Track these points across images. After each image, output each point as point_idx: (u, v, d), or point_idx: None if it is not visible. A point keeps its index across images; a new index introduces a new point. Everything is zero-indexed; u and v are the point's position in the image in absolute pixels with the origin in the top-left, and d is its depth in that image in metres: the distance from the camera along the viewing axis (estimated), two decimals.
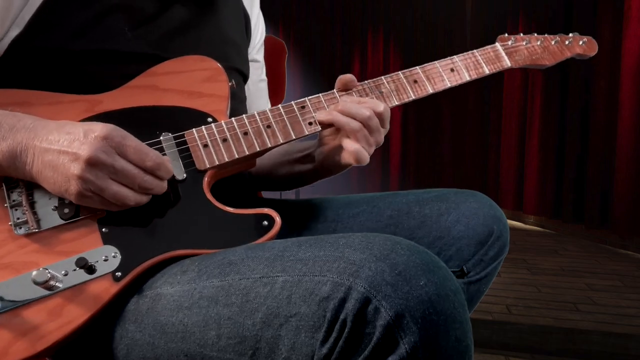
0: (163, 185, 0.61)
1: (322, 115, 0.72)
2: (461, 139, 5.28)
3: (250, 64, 0.95)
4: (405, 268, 0.46)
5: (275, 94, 1.10)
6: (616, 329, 1.96)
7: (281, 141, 0.70)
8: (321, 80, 6.09)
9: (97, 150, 0.55)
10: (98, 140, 0.55)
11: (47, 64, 0.66)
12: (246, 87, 0.93)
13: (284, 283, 0.50)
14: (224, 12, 0.85)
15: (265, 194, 1.06)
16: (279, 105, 0.72)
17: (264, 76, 1.04)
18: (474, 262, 0.80)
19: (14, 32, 0.64)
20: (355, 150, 0.70)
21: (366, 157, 0.71)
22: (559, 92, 3.94)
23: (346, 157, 0.73)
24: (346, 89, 0.76)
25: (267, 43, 1.04)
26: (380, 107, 0.72)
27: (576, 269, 2.85)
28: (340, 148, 0.74)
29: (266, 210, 0.65)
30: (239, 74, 0.87)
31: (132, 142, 0.58)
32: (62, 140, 0.56)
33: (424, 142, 5.51)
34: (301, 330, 0.47)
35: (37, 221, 0.59)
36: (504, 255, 0.83)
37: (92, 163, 0.55)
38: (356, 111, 0.70)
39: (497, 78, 4.45)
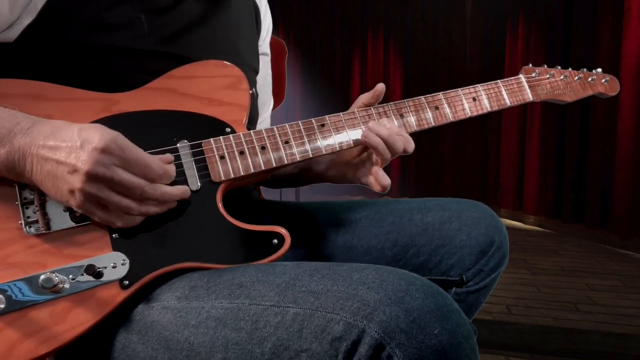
0: (169, 191, 0.60)
1: (371, 139, 0.72)
2: (461, 138, 5.28)
3: (260, 57, 0.94)
4: (420, 314, 0.46)
5: (276, 94, 1.10)
6: (616, 329, 1.96)
7: (298, 159, 0.70)
8: (321, 80, 6.08)
9: (96, 164, 0.53)
10: (96, 152, 0.53)
11: (60, 56, 0.64)
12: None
13: (295, 315, 0.49)
14: (236, 5, 0.83)
15: (266, 196, 1.06)
16: (299, 122, 0.71)
17: (270, 70, 1.03)
18: (474, 272, 0.80)
19: (27, 20, 0.62)
20: (387, 185, 0.73)
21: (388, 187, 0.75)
22: None
23: (372, 184, 0.75)
24: (375, 101, 0.77)
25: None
26: (411, 147, 0.74)
27: (576, 269, 2.85)
28: (352, 167, 0.77)
29: (277, 229, 0.64)
30: (251, 69, 0.86)
31: (131, 155, 0.56)
32: (60, 149, 0.54)
33: (424, 141, 5.51)
34: None
35: (47, 222, 0.58)
36: (503, 267, 0.83)
37: (91, 177, 0.53)
38: (395, 145, 0.72)
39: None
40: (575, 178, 3.80)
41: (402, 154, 0.74)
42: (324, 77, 6.10)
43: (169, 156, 0.62)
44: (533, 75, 0.89)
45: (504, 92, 0.85)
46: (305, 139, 0.71)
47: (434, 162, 5.55)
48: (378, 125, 0.72)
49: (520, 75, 0.88)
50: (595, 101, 3.54)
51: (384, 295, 0.47)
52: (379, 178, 0.74)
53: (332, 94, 5.96)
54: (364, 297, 0.48)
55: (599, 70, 0.95)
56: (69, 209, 0.59)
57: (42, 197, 0.59)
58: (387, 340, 0.45)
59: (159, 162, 0.59)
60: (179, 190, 0.61)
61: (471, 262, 0.79)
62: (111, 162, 0.54)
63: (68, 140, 0.54)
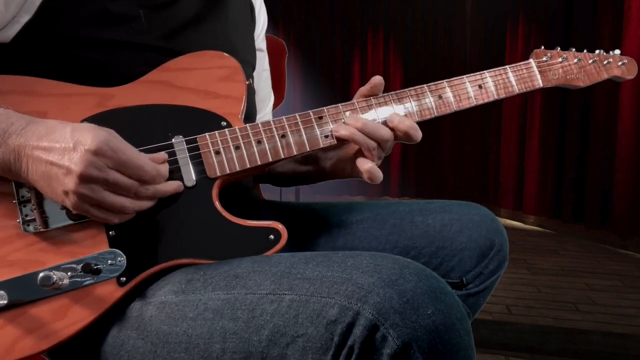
0: (162, 189, 0.60)
1: (341, 131, 0.69)
2: (461, 138, 5.28)
3: (256, 53, 0.95)
4: (413, 295, 0.46)
5: (275, 94, 1.10)
6: (616, 329, 1.96)
7: (295, 153, 0.68)
8: (321, 80, 6.08)
9: (89, 166, 0.53)
10: (89, 154, 0.53)
11: (57, 52, 0.64)
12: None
13: (291, 302, 0.50)
14: (232, 2, 0.83)
15: (266, 196, 1.06)
16: (296, 114, 0.69)
17: (267, 65, 1.02)
18: (474, 274, 0.80)
19: (24, 18, 0.62)
20: (369, 169, 0.68)
21: (379, 176, 0.69)
22: (559, 92, 3.94)
23: (360, 174, 0.71)
24: (374, 93, 0.73)
25: (267, 43, 1.04)
26: (418, 135, 0.70)
27: (576, 269, 2.85)
28: (352, 161, 0.72)
29: (273, 224, 0.64)
30: (248, 65, 0.86)
31: (124, 156, 0.56)
32: (53, 150, 0.54)
33: (424, 141, 5.48)
34: (308, 351, 0.48)
35: (45, 220, 0.59)
36: (502, 269, 0.83)
37: (84, 179, 0.53)
38: (376, 132, 0.68)
39: None
40: (575, 178, 3.80)
41: (408, 142, 0.71)
42: (324, 77, 6.09)
43: (163, 155, 0.62)
44: (544, 59, 0.82)
45: (512, 79, 0.79)
46: (303, 132, 0.68)
47: (434, 162, 5.55)
48: (352, 118, 0.69)
49: (531, 60, 0.82)
50: (595, 101, 3.55)
51: (378, 278, 0.48)
52: (360, 165, 0.69)
53: (332, 94, 5.96)
54: (358, 281, 0.48)
55: (617, 52, 0.88)
56: (65, 207, 0.59)
57: (39, 196, 0.59)
58: (381, 321, 0.45)
59: (152, 164, 0.59)
60: (172, 186, 0.61)
61: (471, 264, 0.79)
62: (104, 163, 0.54)
63: (61, 142, 0.54)
